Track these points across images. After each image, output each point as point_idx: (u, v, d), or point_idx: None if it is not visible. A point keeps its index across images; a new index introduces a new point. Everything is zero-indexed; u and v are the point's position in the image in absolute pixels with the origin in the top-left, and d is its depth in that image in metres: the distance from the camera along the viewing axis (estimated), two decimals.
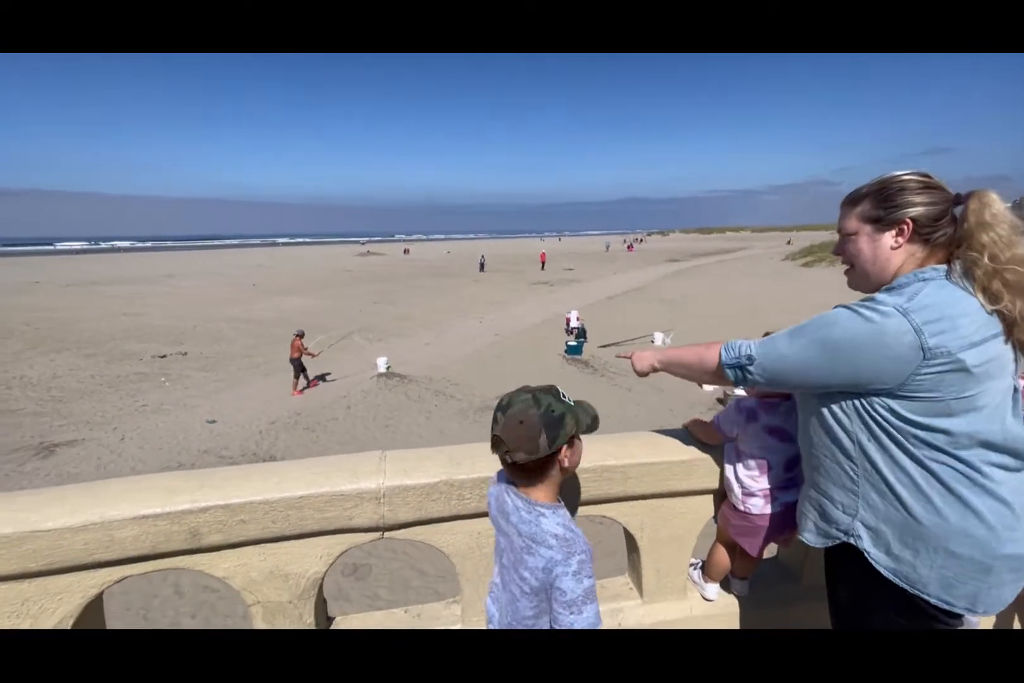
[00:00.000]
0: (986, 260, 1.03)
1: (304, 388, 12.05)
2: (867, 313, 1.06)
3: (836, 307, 1.13)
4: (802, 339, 1.13)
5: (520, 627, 1.11)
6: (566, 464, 1.10)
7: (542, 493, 1.11)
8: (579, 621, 1.00)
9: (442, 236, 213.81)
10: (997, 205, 1.06)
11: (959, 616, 1.09)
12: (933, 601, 1.07)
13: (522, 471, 1.10)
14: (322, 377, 12.81)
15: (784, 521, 1.50)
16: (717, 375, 1.30)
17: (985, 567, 1.05)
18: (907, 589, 1.09)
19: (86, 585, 1.33)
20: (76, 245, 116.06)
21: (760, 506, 1.51)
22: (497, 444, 1.07)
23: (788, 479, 1.47)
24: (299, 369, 11.94)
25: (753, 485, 1.51)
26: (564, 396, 1.12)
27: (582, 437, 1.15)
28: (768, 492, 1.50)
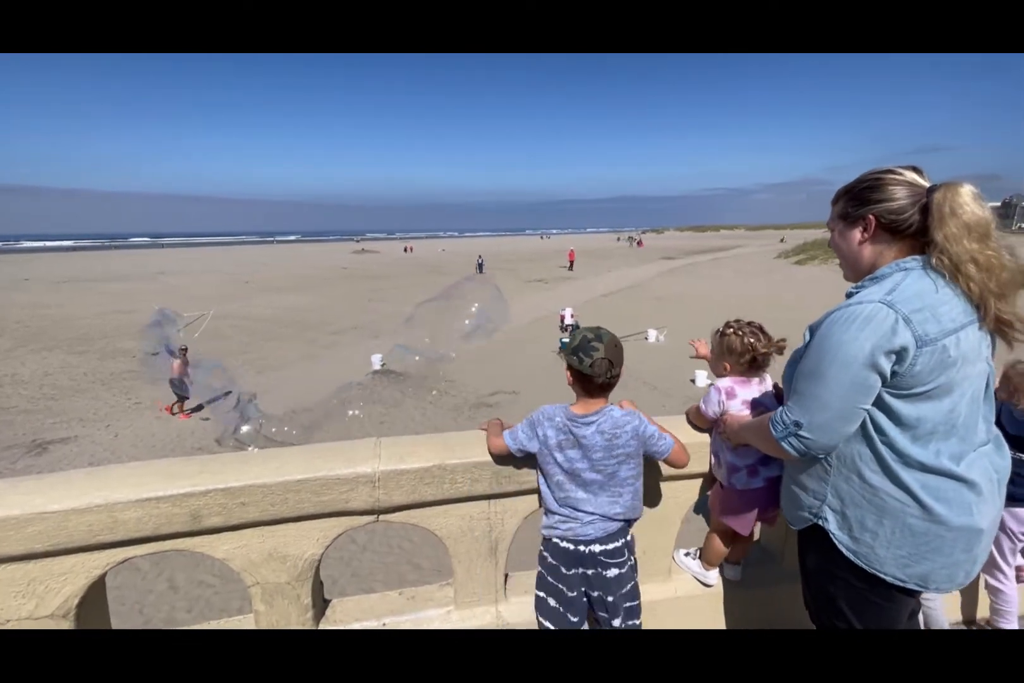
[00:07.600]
0: (950, 252, 1.06)
1: (187, 410, 10.32)
2: (856, 317, 1.06)
3: (822, 326, 1.12)
4: (823, 376, 1.09)
5: (621, 489, 1.49)
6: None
7: (595, 405, 1.49)
8: (667, 440, 1.50)
9: (440, 234, 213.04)
10: (962, 197, 1.06)
11: (915, 592, 1.18)
12: (889, 579, 1.16)
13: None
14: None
15: (768, 497, 1.56)
16: (782, 452, 1.20)
17: (937, 545, 1.12)
18: (865, 568, 1.17)
19: (90, 566, 1.37)
20: (67, 243, 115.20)
21: (744, 481, 1.57)
22: None
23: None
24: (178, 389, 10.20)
25: (737, 461, 1.57)
26: (599, 338, 1.43)
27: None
28: (753, 468, 1.56)
